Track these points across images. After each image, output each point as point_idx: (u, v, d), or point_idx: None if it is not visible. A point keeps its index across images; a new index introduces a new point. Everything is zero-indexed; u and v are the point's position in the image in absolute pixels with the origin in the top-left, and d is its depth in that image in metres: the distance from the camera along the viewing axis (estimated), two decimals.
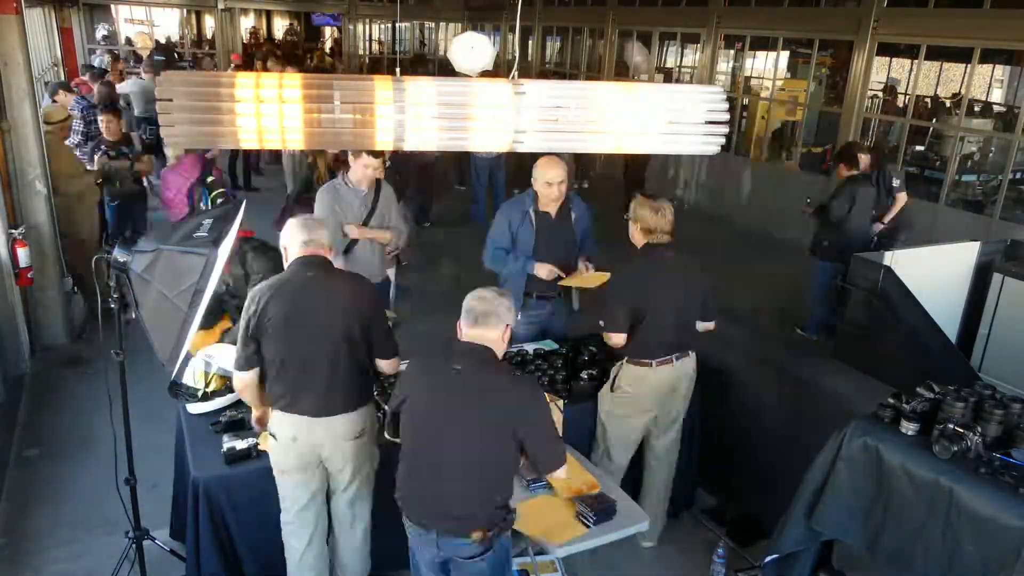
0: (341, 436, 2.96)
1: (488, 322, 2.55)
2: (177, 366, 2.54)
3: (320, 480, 3.05)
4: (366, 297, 3.02)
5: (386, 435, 2.80)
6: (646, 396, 3.55)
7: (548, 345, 4.23)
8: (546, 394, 3.42)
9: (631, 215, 3.56)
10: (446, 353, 2.60)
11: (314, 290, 2.88)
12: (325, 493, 3.11)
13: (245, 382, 2.92)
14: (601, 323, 3.52)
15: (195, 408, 3.38)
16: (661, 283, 3.47)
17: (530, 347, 4.19)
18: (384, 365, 3.02)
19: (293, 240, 2.94)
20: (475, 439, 2.50)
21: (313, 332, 2.85)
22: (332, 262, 3.07)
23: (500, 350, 2.61)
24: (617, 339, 3.48)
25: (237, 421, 3.26)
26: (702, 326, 3.66)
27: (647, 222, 3.48)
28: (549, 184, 4.06)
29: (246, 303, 2.87)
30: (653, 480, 3.79)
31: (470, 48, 5.26)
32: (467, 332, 2.57)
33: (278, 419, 2.93)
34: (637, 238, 3.56)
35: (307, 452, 2.95)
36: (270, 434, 2.98)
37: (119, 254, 2.65)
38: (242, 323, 2.85)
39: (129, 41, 17.33)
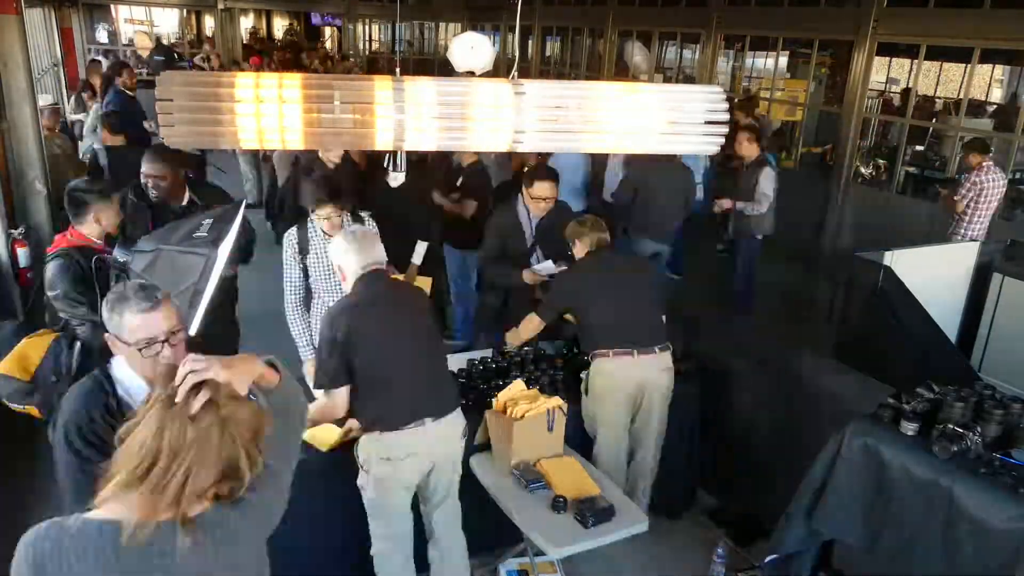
0: (456, 437, 3.03)
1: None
2: None
3: (412, 490, 3.04)
4: (424, 296, 3.31)
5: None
6: (611, 390, 3.58)
7: (548, 346, 4.24)
8: (548, 395, 3.44)
9: (570, 238, 3.81)
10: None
11: (389, 301, 2.99)
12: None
13: (341, 399, 2.86)
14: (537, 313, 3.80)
15: None
16: (600, 280, 3.67)
17: (529, 348, 4.20)
18: None
19: (349, 265, 2.95)
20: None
21: (404, 340, 2.93)
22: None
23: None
24: (535, 326, 3.81)
25: None
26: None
27: (583, 237, 3.75)
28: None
29: (323, 326, 2.88)
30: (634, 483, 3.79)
31: (470, 48, 5.27)
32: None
33: (388, 441, 2.86)
34: (581, 254, 3.80)
35: (420, 465, 2.95)
36: (365, 469, 2.91)
37: (119, 254, 2.65)
38: (322, 348, 2.86)
39: (130, 42, 17.33)
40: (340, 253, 2.98)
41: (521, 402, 3.29)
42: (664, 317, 3.77)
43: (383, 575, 3.07)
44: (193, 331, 2.52)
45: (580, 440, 3.64)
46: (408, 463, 2.91)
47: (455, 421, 3.03)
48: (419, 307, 3.12)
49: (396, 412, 2.88)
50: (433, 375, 3.03)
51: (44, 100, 7.89)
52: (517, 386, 3.41)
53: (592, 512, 2.99)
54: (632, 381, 3.59)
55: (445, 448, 3.01)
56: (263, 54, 15.10)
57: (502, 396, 3.34)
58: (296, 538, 3.11)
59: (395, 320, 2.96)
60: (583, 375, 3.70)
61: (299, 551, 3.09)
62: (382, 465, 2.89)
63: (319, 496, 3.12)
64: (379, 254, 3.01)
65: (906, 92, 11.54)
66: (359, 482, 2.99)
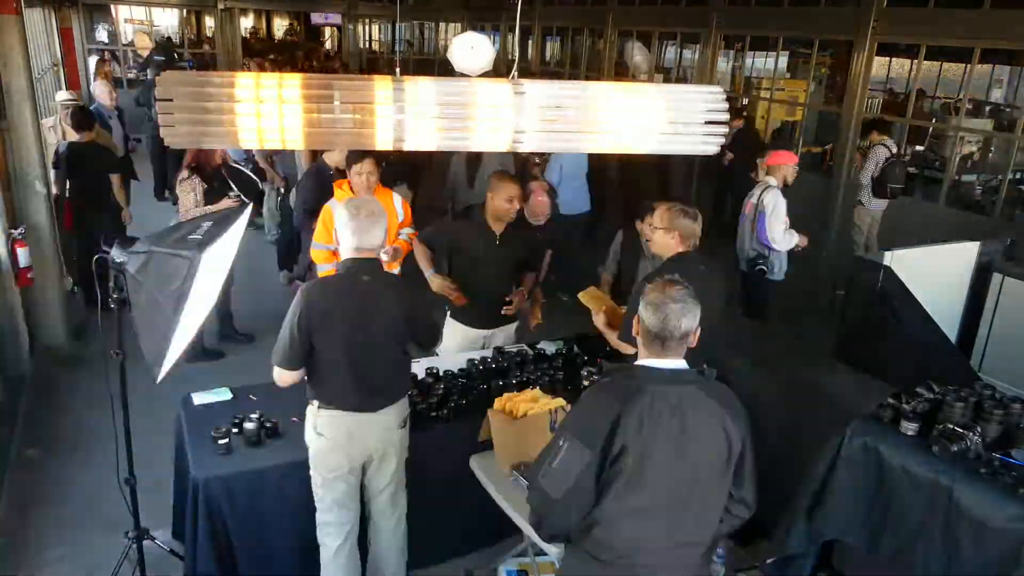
0: (393, 427, 3.06)
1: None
2: (164, 370, 2.52)
3: (358, 478, 3.10)
4: (406, 290, 3.15)
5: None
6: None
7: (548, 345, 4.24)
8: (550, 396, 3.44)
9: (661, 223, 3.43)
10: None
11: (364, 289, 2.93)
12: (359, 491, 3.14)
13: (291, 380, 2.93)
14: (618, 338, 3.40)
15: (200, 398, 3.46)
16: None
17: (530, 347, 4.20)
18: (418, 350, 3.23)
19: (344, 240, 2.96)
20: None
21: (366, 329, 2.92)
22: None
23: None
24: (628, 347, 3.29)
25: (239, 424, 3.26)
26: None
27: (687, 229, 3.37)
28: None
29: (296, 299, 2.87)
30: None
31: (470, 48, 5.26)
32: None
33: (329, 419, 2.94)
34: (671, 245, 3.42)
35: (359, 449, 3.01)
36: (317, 434, 2.97)
37: (116, 254, 2.64)
38: (290, 320, 2.86)
39: (130, 42, 17.32)
40: (340, 224, 2.96)
41: (523, 402, 3.29)
42: None
43: (323, 549, 3.11)
44: (179, 331, 2.50)
45: None
46: (347, 445, 2.97)
47: (394, 411, 3.06)
48: (394, 303, 3.01)
49: (337, 395, 2.94)
50: (383, 376, 3.01)
51: (62, 96, 7.97)
52: (528, 394, 3.39)
53: None
54: None
55: (380, 437, 3.04)
56: (261, 55, 15.06)
57: (505, 397, 3.34)
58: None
59: (362, 310, 2.92)
60: None
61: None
62: (318, 440, 2.97)
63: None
64: (374, 239, 2.95)
65: (921, 93, 11.57)
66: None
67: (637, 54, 12.53)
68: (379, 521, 3.22)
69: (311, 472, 3.04)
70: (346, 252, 2.96)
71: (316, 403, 2.97)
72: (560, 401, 3.38)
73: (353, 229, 2.91)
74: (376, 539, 3.25)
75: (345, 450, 2.98)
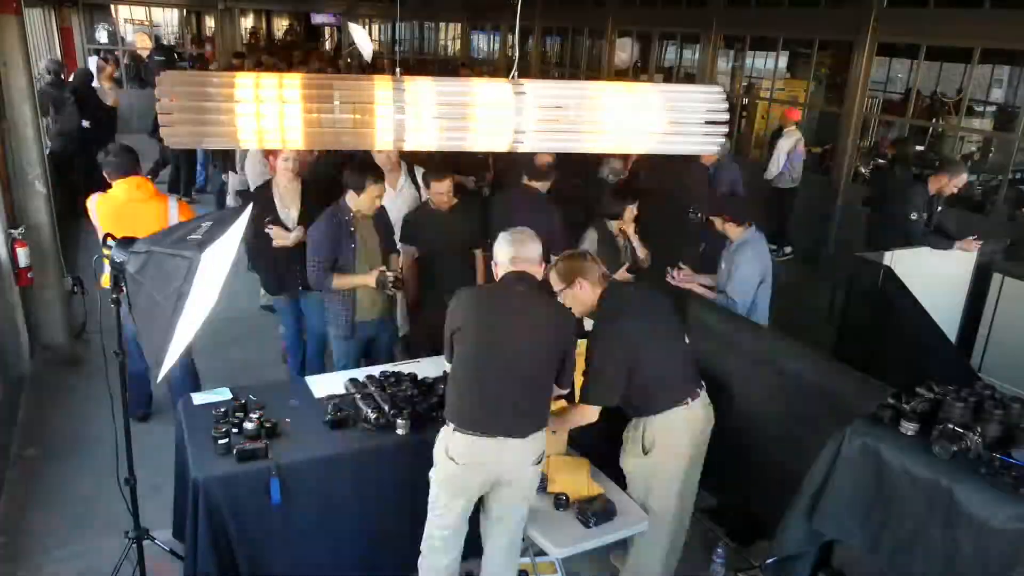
0: (528, 461, 2.85)
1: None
2: (163, 371, 2.52)
3: (477, 497, 2.96)
4: (567, 322, 2.96)
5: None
6: (680, 445, 3.22)
7: None
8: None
9: (564, 279, 3.17)
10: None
11: (515, 306, 2.86)
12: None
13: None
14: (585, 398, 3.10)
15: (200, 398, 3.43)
16: (646, 329, 3.13)
17: None
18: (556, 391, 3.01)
19: (500, 255, 2.93)
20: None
21: (514, 349, 2.80)
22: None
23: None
24: (592, 414, 3.10)
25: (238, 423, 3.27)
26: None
27: (593, 273, 3.16)
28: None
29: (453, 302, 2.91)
30: None
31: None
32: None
33: (464, 443, 2.79)
34: (590, 294, 3.17)
35: (489, 477, 2.86)
36: (448, 458, 2.83)
37: (117, 254, 2.64)
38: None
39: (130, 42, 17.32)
40: (497, 243, 2.97)
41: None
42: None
43: (426, 565, 3.02)
44: (179, 331, 2.50)
45: (583, 442, 3.63)
46: (472, 470, 2.83)
47: (531, 446, 2.84)
48: (549, 327, 2.87)
49: (475, 416, 2.80)
50: (527, 397, 2.84)
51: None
52: None
53: (593, 512, 2.99)
54: (697, 431, 3.27)
55: (513, 468, 2.85)
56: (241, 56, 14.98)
57: None
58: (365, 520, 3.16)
59: (511, 325, 2.82)
60: (630, 432, 3.28)
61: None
62: (447, 463, 2.84)
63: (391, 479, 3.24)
64: (529, 252, 2.90)
65: (933, 94, 11.56)
66: (430, 474, 2.95)
67: (621, 50, 12.64)
68: (492, 548, 3.06)
69: (432, 484, 2.93)
70: (503, 269, 2.92)
71: (452, 425, 2.83)
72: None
73: (508, 240, 2.92)
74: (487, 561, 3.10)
75: (477, 475, 2.84)
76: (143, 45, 16.27)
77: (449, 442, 2.83)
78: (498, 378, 2.79)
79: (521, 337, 2.81)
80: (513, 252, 2.89)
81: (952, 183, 5.46)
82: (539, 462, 2.91)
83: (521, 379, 2.80)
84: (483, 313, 2.86)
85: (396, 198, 4.88)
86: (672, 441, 3.18)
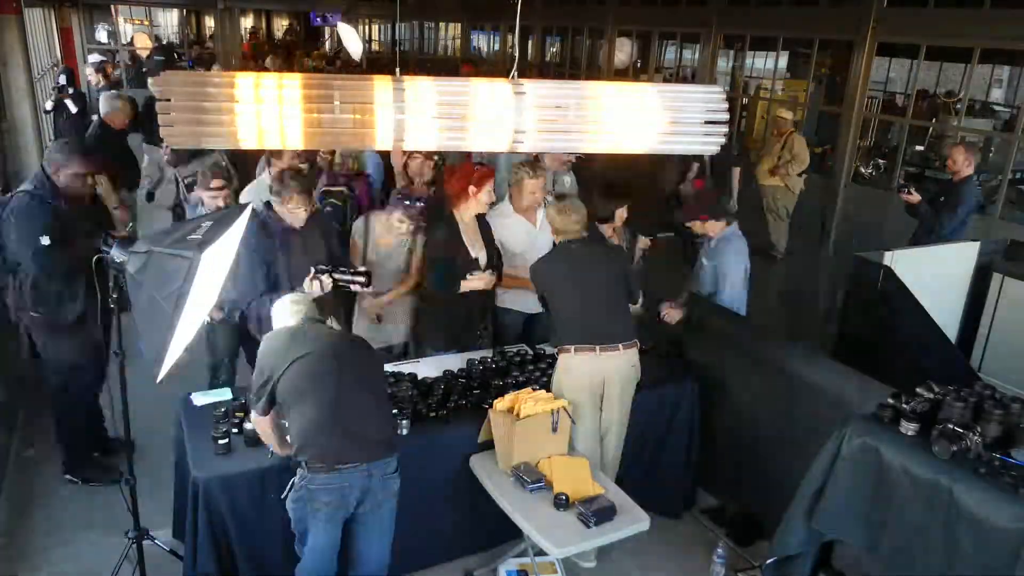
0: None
1: None
2: (163, 370, 2.52)
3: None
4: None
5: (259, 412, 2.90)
6: (573, 388, 3.55)
7: (548, 346, 4.24)
8: (546, 392, 3.45)
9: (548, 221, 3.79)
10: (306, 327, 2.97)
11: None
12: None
13: None
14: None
15: (200, 398, 3.43)
16: (566, 274, 3.64)
17: (529, 347, 4.21)
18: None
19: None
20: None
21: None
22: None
23: None
24: None
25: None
26: (633, 309, 3.80)
27: (555, 223, 3.68)
28: None
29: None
30: None
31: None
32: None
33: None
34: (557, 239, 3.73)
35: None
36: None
37: (116, 254, 2.64)
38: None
39: (130, 42, 17.33)
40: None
41: (526, 402, 3.28)
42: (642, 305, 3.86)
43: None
44: (179, 331, 2.50)
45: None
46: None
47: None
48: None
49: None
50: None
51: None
52: (534, 394, 3.39)
53: (593, 512, 2.99)
54: (593, 377, 3.56)
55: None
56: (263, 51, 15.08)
57: (507, 397, 3.34)
58: None
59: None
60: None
61: None
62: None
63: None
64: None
65: (950, 95, 11.54)
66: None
67: (619, 51, 12.65)
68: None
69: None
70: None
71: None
72: (563, 402, 3.38)
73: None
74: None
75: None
76: (143, 45, 16.27)
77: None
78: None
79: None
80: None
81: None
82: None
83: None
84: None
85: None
86: (568, 382, 3.58)
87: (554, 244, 3.76)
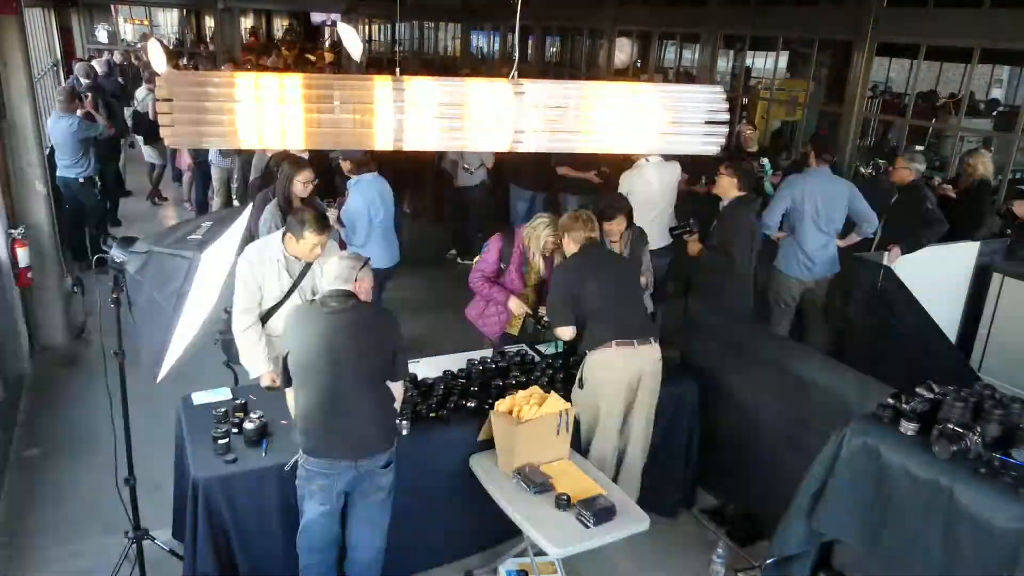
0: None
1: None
2: (163, 370, 2.52)
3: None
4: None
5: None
6: (612, 381, 3.60)
7: (548, 347, 4.24)
8: (552, 394, 3.43)
9: (561, 231, 3.89)
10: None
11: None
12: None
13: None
14: (546, 320, 3.95)
15: (200, 398, 3.44)
16: (595, 273, 3.72)
17: (529, 347, 4.20)
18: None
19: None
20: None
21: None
22: None
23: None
24: (563, 332, 3.73)
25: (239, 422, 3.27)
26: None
27: (579, 236, 3.79)
28: None
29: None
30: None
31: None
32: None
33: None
34: (572, 249, 3.82)
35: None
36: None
37: (116, 254, 2.64)
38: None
39: (132, 43, 17.31)
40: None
41: (528, 403, 3.27)
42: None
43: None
44: (179, 331, 2.50)
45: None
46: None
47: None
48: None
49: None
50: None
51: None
52: (534, 395, 3.39)
53: (593, 512, 2.99)
54: (633, 372, 3.62)
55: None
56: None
57: (509, 398, 3.33)
58: None
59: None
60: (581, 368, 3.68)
61: None
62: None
63: None
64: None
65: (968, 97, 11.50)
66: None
67: (620, 51, 12.65)
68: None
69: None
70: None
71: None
72: (567, 404, 3.37)
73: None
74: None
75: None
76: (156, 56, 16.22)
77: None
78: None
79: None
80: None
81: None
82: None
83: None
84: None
85: None
86: (608, 376, 3.60)
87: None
